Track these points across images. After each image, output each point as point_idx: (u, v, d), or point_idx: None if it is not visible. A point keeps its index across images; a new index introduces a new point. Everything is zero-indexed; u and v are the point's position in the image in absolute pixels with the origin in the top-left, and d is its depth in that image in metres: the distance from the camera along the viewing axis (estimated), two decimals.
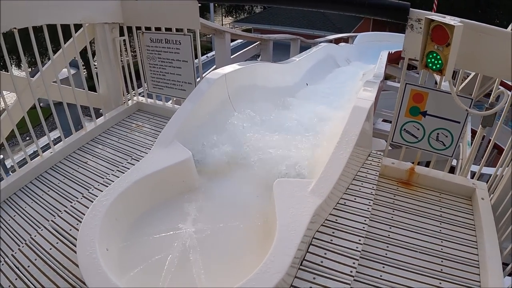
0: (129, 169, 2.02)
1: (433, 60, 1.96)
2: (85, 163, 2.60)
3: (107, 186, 1.93)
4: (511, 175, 2.08)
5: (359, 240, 1.89)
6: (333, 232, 1.91)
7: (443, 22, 1.84)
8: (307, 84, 3.95)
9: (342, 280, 1.66)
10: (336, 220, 1.98)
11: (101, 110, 3.16)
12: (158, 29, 2.96)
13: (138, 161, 2.34)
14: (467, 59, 2.00)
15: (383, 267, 1.88)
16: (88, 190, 2.23)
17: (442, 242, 2.05)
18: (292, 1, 2.45)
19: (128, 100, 3.29)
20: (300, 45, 6.73)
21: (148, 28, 2.97)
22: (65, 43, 2.61)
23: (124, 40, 3.08)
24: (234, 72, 2.69)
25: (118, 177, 2.02)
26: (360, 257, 1.83)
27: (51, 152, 2.57)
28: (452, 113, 2.19)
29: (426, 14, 1.97)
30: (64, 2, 2.44)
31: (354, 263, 1.76)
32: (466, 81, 2.98)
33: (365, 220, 2.00)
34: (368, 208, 2.07)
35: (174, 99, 3.29)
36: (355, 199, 2.13)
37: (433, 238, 2.06)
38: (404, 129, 2.35)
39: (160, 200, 1.98)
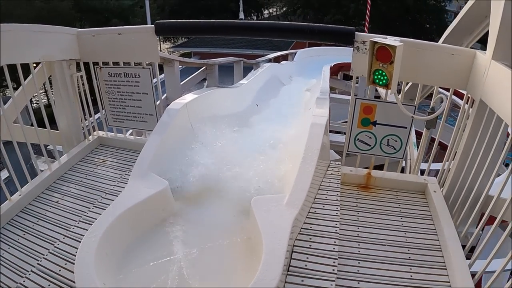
0: (106, 204, 2.07)
1: (379, 76, 2.25)
2: (57, 202, 2.56)
3: (88, 224, 1.96)
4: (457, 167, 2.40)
5: (335, 241, 2.08)
6: (310, 238, 2.08)
7: (386, 43, 2.13)
8: (257, 105, 4.16)
9: (327, 278, 1.84)
10: (311, 227, 2.16)
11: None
12: (115, 63, 3.02)
13: (113, 195, 2.40)
14: (408, 72, 2.32)
15: (359, 262, 2.10)
16: (68, 229, 2.22)
17: (405, 234, 2.30)
18: (249, 31, 2.65)
19: (89, 135, 3.28)
20: (243, 66, 7.04)
21: (106, 63, 3.01)
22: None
23: (82, 76, 3.09)
24: (193, 101, 2.81)
25: (97, 213, 2.07)
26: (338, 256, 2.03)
27: (20, 195, 2.50)
28: (399, 120, 2.49)
29: (370, 37, 2.25)
30: (24, 43, 2.45)
31: (334, 262, 1.95)
32: (406, 88, 3.29)
33: (336, 224, 2.20)
34: (337, 213, 2.28)
35: (136, 131, 3.32)
36: (323, 206, 2.33)
37: (397, 231, 2.31)
38: (358, 139, 2.62)
39: (144, 229, 2.04)
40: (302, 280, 1.82)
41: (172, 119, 2.54)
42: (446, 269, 2.07)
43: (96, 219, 2.14)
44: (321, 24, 2.41)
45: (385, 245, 2.23)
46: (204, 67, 5.26)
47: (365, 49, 2.31)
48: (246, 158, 2.63)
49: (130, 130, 3.55)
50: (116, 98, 3.07)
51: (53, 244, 2.11)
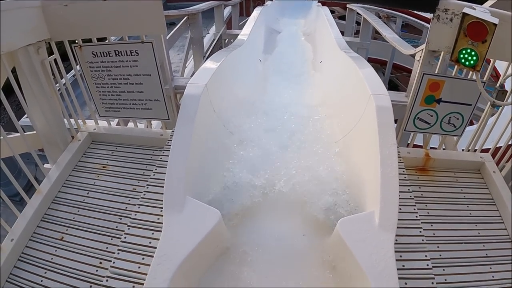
0: (135, 244, 1.73)
1: (466, 56, 1.85)
2: (61, 239, 1.99)
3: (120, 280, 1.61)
4: None
5: (426, 255, 1.82)
6: (401, 256, 1.80)
7: (483, 19, 1.69)
8: (260, 61, 3.59)
9: None
10: (397, 240, 1.86)
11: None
12: (101, 39, 2.24)
13: (138, 228, 1.85)
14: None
15: (443, 269, 1.94)
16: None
17: (476, 226, 2.15)
18: None
19: (77, 132, 2.55)
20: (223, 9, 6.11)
21: (87, 40, 2.23)
22: None
23: (56, 60, 2.29)
24: (212, 78, 2.18)
25: (123, 260, 1.69)
26: None
27: (12, 239, 1.88)
28: (466, 97, 2.19)
29: (456, 5, 1.79)
30: None
31: (432, 283, 1.70)
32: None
33: (420, 231, 1.91)
34: (416, 216, 1.98)
35: (123, 119, 2.66)
36: (400, 209, 2.02)
37: (468, 224, 2.15)
38: (418, 118, 2.30)
39: (200, 279, 1.62)
40: None
41: (195, 110, 1.90)
42: None
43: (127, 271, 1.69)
44: None
45: (461, 243, 2.06)
46: (185, 17, 4.36)
47: (447, 18, 1.86)
48: (288, 149, 2.19)
49: (117, 119, 2.85)
50: (106, 84, 2.34)
51: None
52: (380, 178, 1.74)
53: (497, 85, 2.14)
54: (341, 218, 1.66)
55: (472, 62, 1.85)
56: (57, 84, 2.37)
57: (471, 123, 2.43)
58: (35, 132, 2.31)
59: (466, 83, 2.12)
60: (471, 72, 2.06)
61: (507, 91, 2.10)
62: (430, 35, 1.98)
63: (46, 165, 2.40)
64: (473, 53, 1.82)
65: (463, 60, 1.87)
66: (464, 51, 1.84)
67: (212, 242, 1.63)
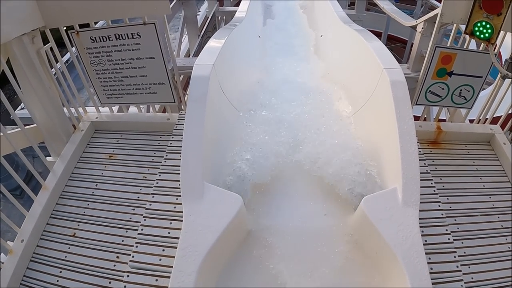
0: (147, 235, 1.67)
1: (481, 29, 1.85)
2: (73, 235, 1.92)
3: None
4: None
5: (446, 230, 1.83)
6: (423, 231, 1.79)
7: None
8: (259, 37, 3.50)
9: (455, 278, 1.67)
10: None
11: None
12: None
13: (154, 218, 1.80)
14: None
15: (462, 242, 1.95)
16: None
17: (490, 197, 2.17)
18: None
19: (79, 123, 2.45)
20: None
21: (84, 25, 2.11)
22: None
23: (52, 48, 2.17)
24: (219, 58, 2.08)
25: (142, 253, 1.65)
26: None
27: (22, 240, 1.80)
28: (476, 69, 2.19)
29: None
30: None
31: (455, 256, 1.72)
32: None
33: (439, 206, 1.92)
34: (434, 191, 1.98)
35: (141, 106, 2.57)
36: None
37: (483, 196, 2.17)
38: (430, 91, 2.29)
39: (224, 267, 1.59)
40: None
41: (206, 91, 1.81)
42: None
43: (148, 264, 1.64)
44: None
45: (477, 215, 2.08)
46: None
47: None
48: (303, 125, 2.14)
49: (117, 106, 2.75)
50: (107, 70, 2.23)
51: None
52: (400, 154, 1.71)
53: (509, 57, 2.12)
54: (365, 196, 1.64)
55: (487, 35, 1.84)
56: (55, 74, 2.25)
57: None
58: (35, 125, 2.21)
59: (477, 56, 2.12)
60: (482, 45, 2.05)
61: None
62: (444, 7, 1.94)
63: (48, 158, 2.32)
64: (488, 26, 1.81)
65: (478, 33, 1.85)
66: (479, 24, 1.82)
67: (235, 228, 1.59)
